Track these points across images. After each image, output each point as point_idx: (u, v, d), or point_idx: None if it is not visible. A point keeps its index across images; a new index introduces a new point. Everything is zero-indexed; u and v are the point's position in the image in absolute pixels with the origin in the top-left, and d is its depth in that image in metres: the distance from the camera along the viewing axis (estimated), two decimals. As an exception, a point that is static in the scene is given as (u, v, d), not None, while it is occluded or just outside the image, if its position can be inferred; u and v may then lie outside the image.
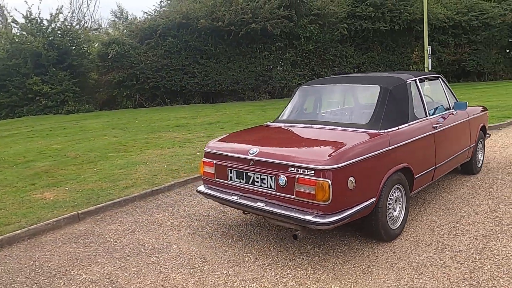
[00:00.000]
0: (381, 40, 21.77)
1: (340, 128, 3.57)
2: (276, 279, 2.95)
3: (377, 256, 3.19)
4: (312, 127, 3.78)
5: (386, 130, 3.39)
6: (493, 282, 2.73)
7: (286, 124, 4.02)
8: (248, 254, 3.36)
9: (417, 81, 4.04)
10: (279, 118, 4.26)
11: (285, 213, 2.95)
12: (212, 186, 3.66)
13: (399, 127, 3.52)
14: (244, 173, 3.28)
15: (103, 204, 4.71)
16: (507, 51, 25.66)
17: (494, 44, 24.14)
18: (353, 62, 21.72)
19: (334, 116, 4.11)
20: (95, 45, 20.61)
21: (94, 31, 23.19)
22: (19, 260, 3.58)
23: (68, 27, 19.91)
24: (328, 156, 2.87)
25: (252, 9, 18.75)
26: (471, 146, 4.82)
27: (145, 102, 19.81)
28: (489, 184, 4.77)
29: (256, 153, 3.20)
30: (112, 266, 3.34)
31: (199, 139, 9.04)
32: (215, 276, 3.06)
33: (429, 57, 11.90)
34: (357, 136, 3.32)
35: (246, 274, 3.05)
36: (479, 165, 5.26)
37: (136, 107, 19.50)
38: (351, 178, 2.90)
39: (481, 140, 5.24)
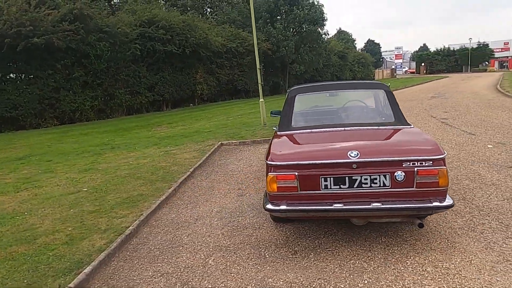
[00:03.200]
0: (172, 62, 22.47)
1: (378, 127, 3.89)
2: (415, 269, 3.04)
3: (461, 228, 3.70)
4: (349, 130, 3.84)
5: (412, 126, 3.98)
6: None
7: (314, 130, 3.98)
8: (356, 261, 3.22)
9: None
10: (292, 126, 4.11)
11: (411, 206, 3.07)
12: (291, 201, 3.28)
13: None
14: (347, 178, 3.16)
15: (91, 266, 3.30)
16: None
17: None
18: (146, 82, 21.45)
19: (355, 118, 4.32)
20: None
21: None
22: None
23: None
24: (437, 146, 3.22)
25: (31, 21, 15.81)
26: None
27: None
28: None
29: (358, 155, 3.17)
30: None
31: (43, 176, 7.21)
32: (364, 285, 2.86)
33: (262, 75, 13.43)
34: (415, 131, 3.75)
35: (386, 275, 2.97)
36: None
37: None
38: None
39: None
